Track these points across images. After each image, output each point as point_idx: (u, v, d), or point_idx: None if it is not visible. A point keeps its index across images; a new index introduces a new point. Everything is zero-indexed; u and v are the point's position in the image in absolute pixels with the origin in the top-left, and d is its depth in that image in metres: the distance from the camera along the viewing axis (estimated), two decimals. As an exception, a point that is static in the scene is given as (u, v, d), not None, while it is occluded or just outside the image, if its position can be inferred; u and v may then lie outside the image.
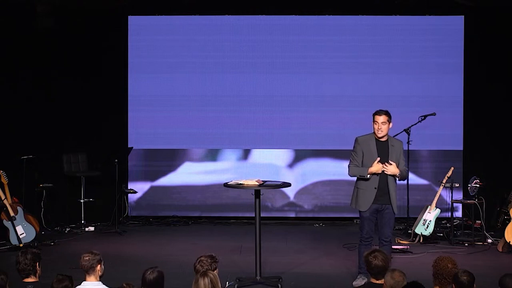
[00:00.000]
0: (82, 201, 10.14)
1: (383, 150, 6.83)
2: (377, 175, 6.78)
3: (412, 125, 9.37)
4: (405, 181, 9.42)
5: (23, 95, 10.10)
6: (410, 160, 9.60)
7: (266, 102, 10.59)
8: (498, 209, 9.75)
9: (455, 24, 10.46)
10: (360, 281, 6.78)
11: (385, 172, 6.74)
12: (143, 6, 10.58)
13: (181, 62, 10.63)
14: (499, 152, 10.32)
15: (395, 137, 8.92)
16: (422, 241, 9.05)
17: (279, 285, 6.78)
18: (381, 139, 6.85)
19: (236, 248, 8.67)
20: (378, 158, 6.75)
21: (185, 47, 10.62)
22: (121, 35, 10.55)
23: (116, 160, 9.92)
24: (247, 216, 10.37)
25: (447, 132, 10.47)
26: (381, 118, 6.80)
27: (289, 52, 10.55)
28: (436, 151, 10.56)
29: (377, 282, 5.12)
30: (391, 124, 6.88)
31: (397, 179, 6.84)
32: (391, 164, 6.74)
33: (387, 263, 5.08)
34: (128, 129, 10.67)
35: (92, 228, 10.00)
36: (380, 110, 6.89)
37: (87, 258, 5.00)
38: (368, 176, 6.77)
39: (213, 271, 4.85)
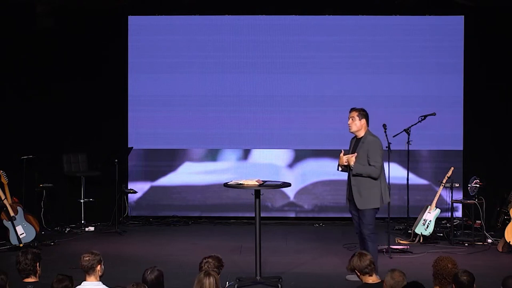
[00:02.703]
0: (82, 201, 10.14)
1: (355, 146, 7.12)
2: (348, 172, 7.10)
3: (412, 125, 9.36)
4: (405, 181, 9.48)
5: (23, 95, 10.10)
6: (410, 160, 9.60)
7: (266, 102, 10.59)
8: (498, 209, 9.75)
9: (455, 24, 10.46)
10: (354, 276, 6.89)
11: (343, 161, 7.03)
12: (143, 6, 10.58)
13: (181, 62, 10.63)
14: (499, 152, 10.32)
15: (395, 136, 9.00)
16: (422, 241, 9.05)
17: (279, 285, 6.79)
18: (357, 136, 7.12)
19: (236, 248, 8.67)
20: (342, 151, 7.07)
21: (185, 47, 10.62)
22: (121, 35, 10.55)
23: (116, 160, 9.92)
24: (247, 216, 10.37)
25: (447, 132, 10.47)
26: (350, 114, 7.13)
27: (289, 52, 10.55)
28: (436, 151, 10.56)
29: (371, 281, 5.14)
30: (363, 121, 7.07)
31: (355, 172, 6.98)
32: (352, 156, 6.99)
33: (365, 262, 5.13)
34: (128, 129, 10.67)
35: (92, 228, 10.00)
36: (352, 107, 7.18)
37: (87, 258, 5.00)
38: (340, 169, 7.13)
39: (217, 275, 4.85)
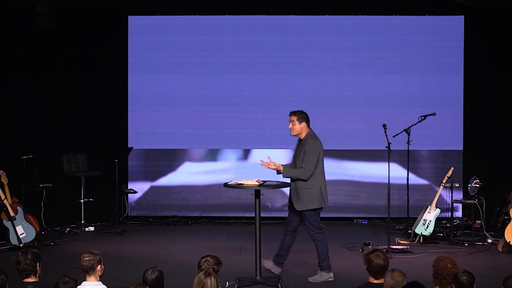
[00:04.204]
0: (82, 201, 10.14)
1: (297, 147, 7.23)
2: None
3: (412, 125, 9.36)
4: (405, 181, 9.48)
5: (23, 95, 10.10)
6: (410, 160, 9.60)
7: (266, 102, 10.59)
8: (498, 209, 9.75)
9: (455, 24, 10.46)
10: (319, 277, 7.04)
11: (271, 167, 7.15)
12: (143, 6, 10.58)
13: (181, 62, 10.63)
14: (499, 152, 10.32)
15: (395, 136, 9.00)
16: (422, 241, 9.05)
17: (279, 285, 6.79)
18: (300, 138, 7.19)
19: (236, 248, 8.67)
20: (268, 157, 7.20)
21: (185, 47, 10.62)
22: (121, 35, 10.55)
23: (116, 160, 9.92)
24: (247, 216, 10.36)
25: (447, 132, 10.47)
26: (290, 119, 7.18)
27: (289, 52, 10.55)
28: (436, 151, 10.55)
29: (376, 281, 5.13)
30: (302, 124, 7.13)
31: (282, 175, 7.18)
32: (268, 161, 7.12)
33: (388, 262, 5.10)
34: (128, 129, 10.66)
35: (92, 228, 10.00)
36: (291, 111, 7.21)
37: (87, 258, 4.99)
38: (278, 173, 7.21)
39: (216, 273, 4.86)
